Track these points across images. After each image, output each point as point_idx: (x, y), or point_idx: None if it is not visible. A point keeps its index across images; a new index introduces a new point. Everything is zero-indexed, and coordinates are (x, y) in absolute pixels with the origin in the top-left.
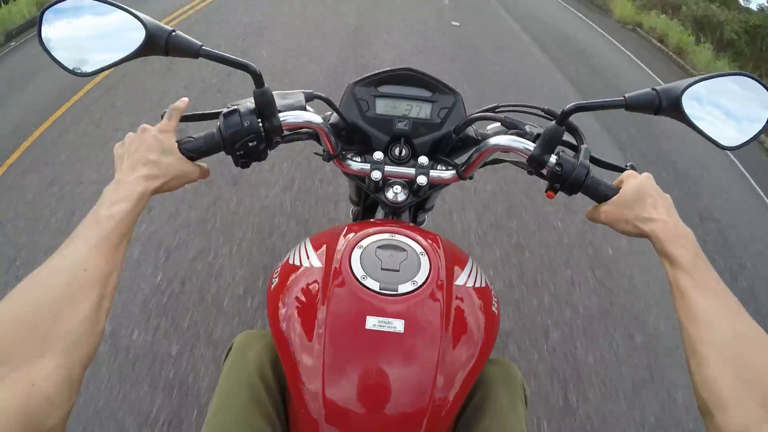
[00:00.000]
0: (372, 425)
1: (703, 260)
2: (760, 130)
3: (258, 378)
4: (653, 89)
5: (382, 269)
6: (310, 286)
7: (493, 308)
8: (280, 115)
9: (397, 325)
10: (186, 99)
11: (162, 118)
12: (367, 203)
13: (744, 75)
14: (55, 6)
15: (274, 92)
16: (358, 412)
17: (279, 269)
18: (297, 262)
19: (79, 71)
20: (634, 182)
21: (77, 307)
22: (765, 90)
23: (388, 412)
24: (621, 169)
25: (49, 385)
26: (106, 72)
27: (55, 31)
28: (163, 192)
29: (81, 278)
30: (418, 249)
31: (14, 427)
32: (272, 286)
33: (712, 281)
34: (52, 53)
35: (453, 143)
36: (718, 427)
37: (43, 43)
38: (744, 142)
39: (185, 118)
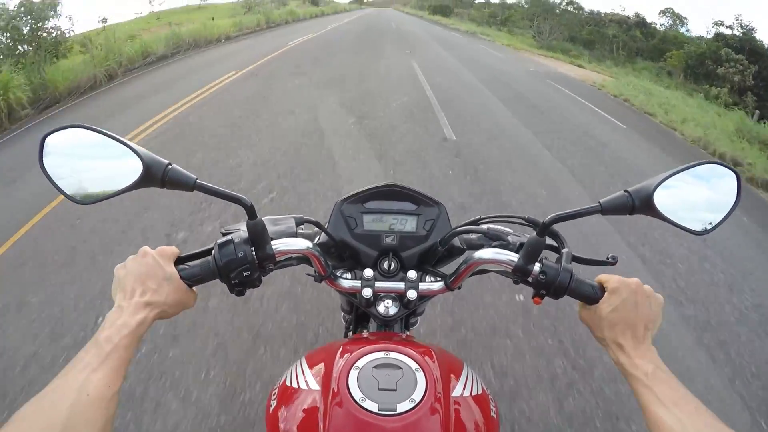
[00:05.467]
0: None
1: (662, 372)
2: (729, 212)
3: None
4: (626, 191)
5: (379, 389)
6: (309, 410)
7: (492, 413)
8: (272, 243)
9: None
10: (177, 250)
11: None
12: (359, 313)
13: (712, 162)
14: (55, 133)
15: (264, 218)
16: None
17: (277, 390)
18: (294, 384)
19: (77, 199)
20: (615, 301)
21: None
22: (732, 173)
23: None
24: (605, 263)
25: None
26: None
27: (55, 157)
28: (162, 318)
29: (84, 403)
30: (413, 365)
31: None
32: (271, 409)
33: (671, 391)
34: (53, 179)
35: (440, 254)
36: None
37: (44, 168)
38: (715, 225)
39: (178, 261)
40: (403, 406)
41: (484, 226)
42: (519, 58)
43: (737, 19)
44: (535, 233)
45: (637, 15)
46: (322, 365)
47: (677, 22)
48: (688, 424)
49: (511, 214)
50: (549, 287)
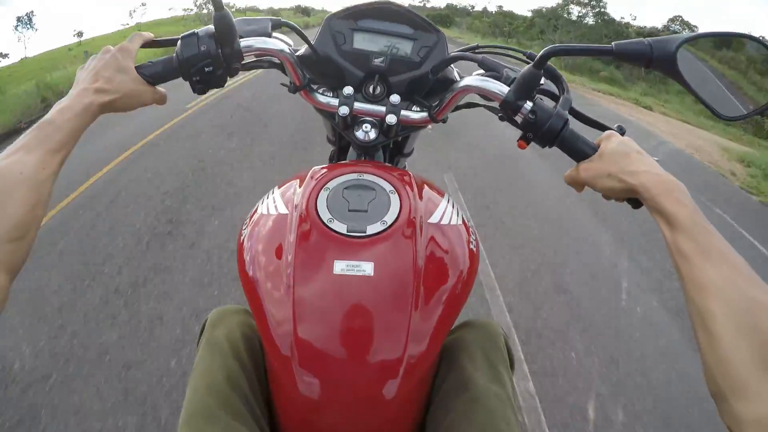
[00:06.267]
0: (347, 370)
1: (702, 217)
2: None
3: (232, 357)
4: (645, 40)
5: (349, 210)
6: (277, 233)
7: (471, 246)
8: (241, 40)
9: (366, 268)
10: (151, 34)
11: None
12: (342, 144)
13: (748, 37)
14: None
15: (239, 18)
16: (331, 356)
17: (248, 219)
18: (264, 210)
19: None
20: (615, 139)
21: (10, 212)
22: None
23: (363, 356)
24: (604, 128)
25: None
26: None
27: None
28: (115, 111)
29: (16, 181)
30: (388, 187)
31: None
32: (241, 237)
33: (717, 242)
34: None
35: (431, 84)
36: (735, 415)
37: None
38: (745, 114)
39: (148, 44)
40: (373, 228)
41: (480, 56)
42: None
43: None
44: (530, 65)
45: (667, 28)
46: (293, 190)
47: (686, 31)
48: (738, 284)
49: (510, 47)
50: (537, 130)
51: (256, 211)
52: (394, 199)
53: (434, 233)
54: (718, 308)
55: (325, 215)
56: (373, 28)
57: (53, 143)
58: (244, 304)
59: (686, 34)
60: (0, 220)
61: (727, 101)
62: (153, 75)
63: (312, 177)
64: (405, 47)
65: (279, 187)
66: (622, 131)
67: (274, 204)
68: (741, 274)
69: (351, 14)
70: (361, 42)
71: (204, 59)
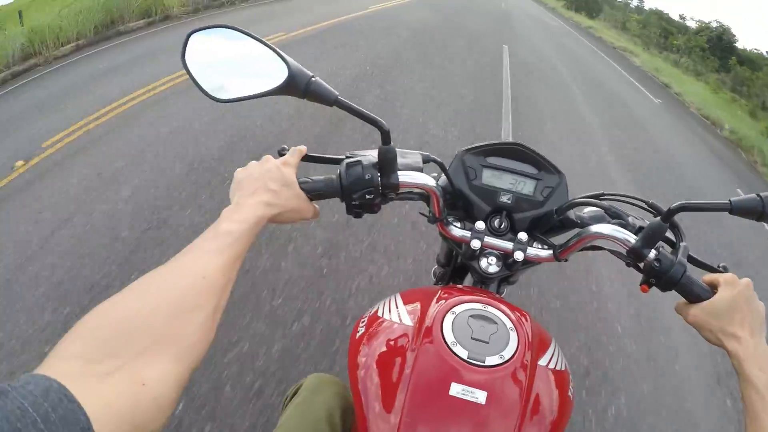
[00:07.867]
0: None
1: None
2: None
3: (326, 423)
4: (758, 195)
5: (472, 338)
6: (397, 343)
7: (569, 393)
8: (399, 173)
9: (480, 396)
10: (305, 147)
11: (279, 155)
12: (457, 266)
13: None
14: (202, 31)
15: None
16: None
17: (366, 319)
18: (386, 316)
19: (216, 97)
20: (729, 293)
21: (194, 314)
22: None
23: None
24: (715, 270)
25: (160, 387)
26: None
27: (198, 54)
28: (278, 222)
29: (200, 285)
30: (509, 324)
31: (122, 427)
32: (357, 335)
33: None
34: (193, 75)
35: (552, 223)
36: None
37: (186, 64)
38: None
39: (306, 159)
40: (492, 360)
41: (606, 203)
42: None
43: None
44: (658, 218)
45: None
46: (417, 304)
47: None
48: None
49: (633, 196)
50: (660, 277)
51: (376, 312)
52: (513, 336)
53: (542, 376)
54: None
55: (450, 337)
56: (501, 166)
57: (235, 252)
58: None
59: None
60: (188, 321)
61: None
62: (313, 192)
63: (440, 298)
64: (529, 186)
65: (402, 297)
66: (726, 269)
67: (398, 312)
68: None
69: (483, 151)
70: (490, 178)
71: (366, 187)
